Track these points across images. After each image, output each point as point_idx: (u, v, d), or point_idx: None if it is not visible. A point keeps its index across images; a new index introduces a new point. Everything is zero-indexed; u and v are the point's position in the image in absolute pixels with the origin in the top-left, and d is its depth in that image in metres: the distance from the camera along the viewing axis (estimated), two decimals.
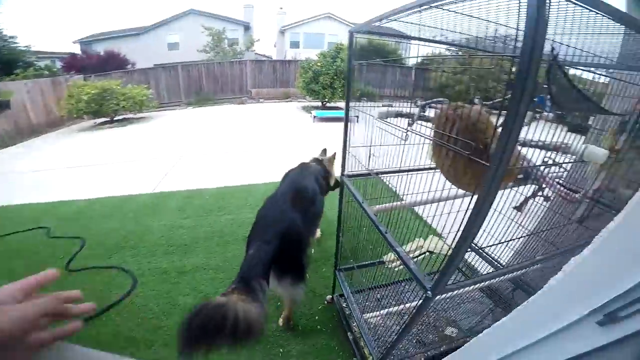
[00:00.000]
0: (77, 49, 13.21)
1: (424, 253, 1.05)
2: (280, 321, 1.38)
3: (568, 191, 0.81)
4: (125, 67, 10.11)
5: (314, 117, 6.65)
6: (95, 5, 28.70)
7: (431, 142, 0.78)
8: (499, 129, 0.43)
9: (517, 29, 0.42)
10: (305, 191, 1.53)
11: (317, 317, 1.43)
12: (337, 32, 16.60)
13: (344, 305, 1.38)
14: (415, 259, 1.02)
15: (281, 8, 16.54)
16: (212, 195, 2.73)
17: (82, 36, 13.76)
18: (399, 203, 1.01)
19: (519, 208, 0.96)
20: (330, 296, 1.50)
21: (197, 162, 3.80)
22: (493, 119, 0.64)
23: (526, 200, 0.97)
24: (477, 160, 0.54)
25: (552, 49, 0.58)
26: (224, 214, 2.38)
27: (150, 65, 9.36)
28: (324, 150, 2.07)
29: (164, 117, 7.36)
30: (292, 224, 1.29)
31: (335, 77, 7.21)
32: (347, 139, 1.20)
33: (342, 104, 8.55)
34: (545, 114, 0.75)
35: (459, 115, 0.68)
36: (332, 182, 1.93)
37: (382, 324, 1.19)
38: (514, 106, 0.41)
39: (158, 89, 8.67)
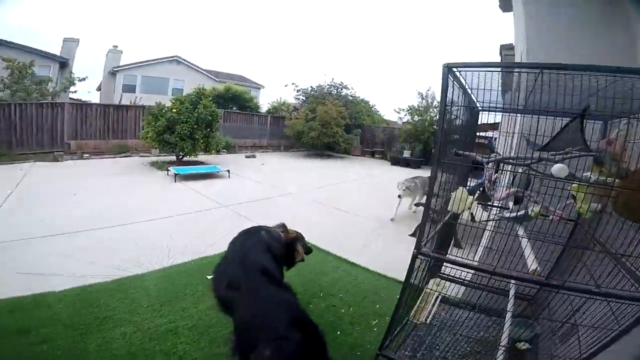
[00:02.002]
0: None
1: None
2: None
3: None
4: None
5: (175, 175, 7.28)
6: None
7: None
8: None
9: None
10: (267, 269, 1.85)
11: None
12: (184, 77, 18.81)
13: None
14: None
15: (115, 46, 17.27)
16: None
17: None
18: None
19: None
20: None
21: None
22: None
23: None
24: None
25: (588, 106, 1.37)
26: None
27: None
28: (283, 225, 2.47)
29: None
30: (294, 308, 1.62)
31: (196, 126, 8.39)
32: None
33: (204, 158, 9.95)
34: None
35: None
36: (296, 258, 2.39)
37: None
38: None
39: None
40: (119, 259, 3.44)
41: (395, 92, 46.09)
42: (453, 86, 1.33)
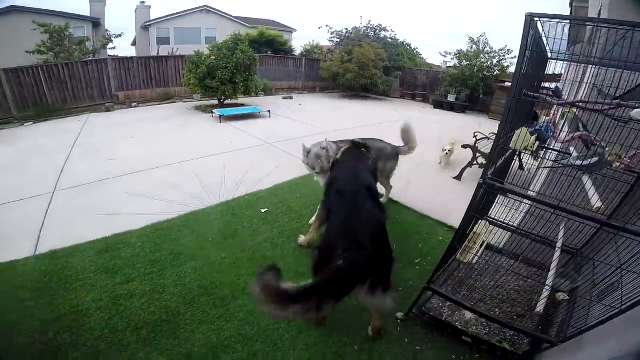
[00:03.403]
0: None
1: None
2: (370, 332, 1.92)
3: None
4: None
5: (220, 116, 7.74)
6: None
7: None
8: None
9: None
10: (375, 189, 2.11)
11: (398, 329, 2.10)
12: (216, 26, 18.53)
13: (443, 311, 2.12)
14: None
15: (143, 2, 17.29)
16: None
17: None
18: None
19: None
20: (402, 313, 2.11)
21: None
22: None
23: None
24: None
25: None
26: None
27: None
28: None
29: None
30: (381, 226, 1.76)
31: (235, 71, 8.57)
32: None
33: (244, 100, 10.16)
34: None
35: None
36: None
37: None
38: None
39: None
40: (182, 195, 3.82)
41: (439, 37, 42.32)
42: (532, 34, 1.39)
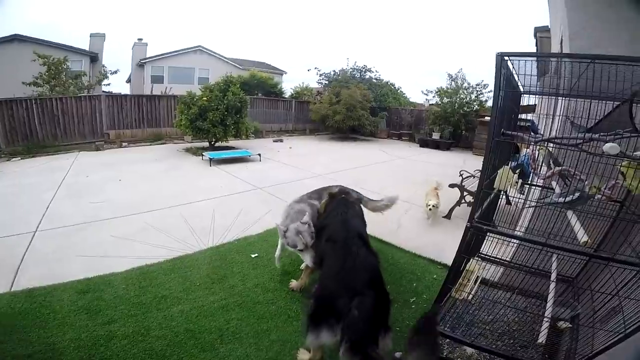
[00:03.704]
0: None
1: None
2: None
3: None
4: None
5: (210, 159, 7.74)
6: None
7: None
8: None
9: None
10: (365, 234, 2.24)
11: None
12: (209, 67, 19.27)
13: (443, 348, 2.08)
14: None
15: (140, 39, 17.94)
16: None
17: None
18: None
19: None
20: (400, 353, 1.97)
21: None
22: None
23: None
24: None
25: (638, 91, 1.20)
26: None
27: None
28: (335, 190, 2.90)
29: None
30: (376, 270, 1.84)
31: (226, 113, 8.75)
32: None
33: (235, 143, 10.30)
34: None
35: None
36: None
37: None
38: None
39: None
40: (170, 239, 3.73)
41: (421, 75, 45.01)
42: (504, 72, 1.47)
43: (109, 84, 13.87)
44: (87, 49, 16.08)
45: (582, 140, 1.29)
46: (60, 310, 2.44)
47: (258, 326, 2.40)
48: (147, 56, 18.62)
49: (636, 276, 1.35)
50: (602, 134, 1.30)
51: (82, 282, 2.80)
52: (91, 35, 16.78)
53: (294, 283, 2.87)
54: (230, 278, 3.01)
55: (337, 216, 2.41)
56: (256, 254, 3.42)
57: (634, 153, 1.38)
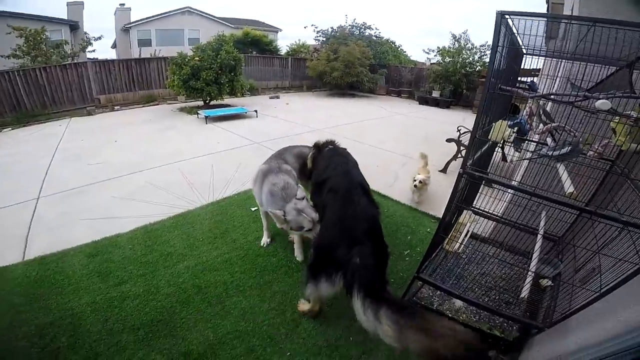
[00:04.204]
0: None
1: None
2: None
3: None
4: None
5: (205, 117, 7.71)
6: None
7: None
8: None
9: None
10: (366, 185, 2.21)
11: None
12: (199, 27, 18.44)
13: (434, 300, 2.18)
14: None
15: (122, 4, 17.13)
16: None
17: None
18: None
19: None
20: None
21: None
22: None
23: None
24: None
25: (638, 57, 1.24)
26: None
27: None
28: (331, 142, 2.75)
29: None
30: (375, 221, 1.88)
31: (220, 71, 8.55)
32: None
33: (230, 101, 10.13)
34: None
35: None
36: None
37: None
38: None
39: None
40: (171, 196, 3.82)
41: (421, 34, 43.03)
42: (505, 30, 1.47)
43: (93, 51, 13.30)
44: (65, 18, 15.30)
45: (576, 98, 1.31)
46: (73, 275, 2.54)
47: (261, 278, 2.54)
48: (132, 21, 17.82)
49: (618, 236, 1.43)
50: (596, 93, 1.32)
51: (90, 246, 2.91)
52: (68, 4, 15.97)
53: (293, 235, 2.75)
54: (232, 232, 3.12)
55: (337, 167, 2.35)
56: (255, 207, 3.48)
57: (625, 111, 1.40)
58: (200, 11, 19.11)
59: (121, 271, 2.59)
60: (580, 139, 1.62)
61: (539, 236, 2.21)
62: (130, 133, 6.82)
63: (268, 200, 2.38)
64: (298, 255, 2.74)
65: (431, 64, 13.75)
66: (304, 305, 2.22)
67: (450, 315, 2.18)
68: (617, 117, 1.40)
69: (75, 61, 10.74)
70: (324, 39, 14.64)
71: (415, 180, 3.70)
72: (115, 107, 9.92)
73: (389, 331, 1.44)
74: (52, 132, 7.18)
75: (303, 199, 2.25)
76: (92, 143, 6.15)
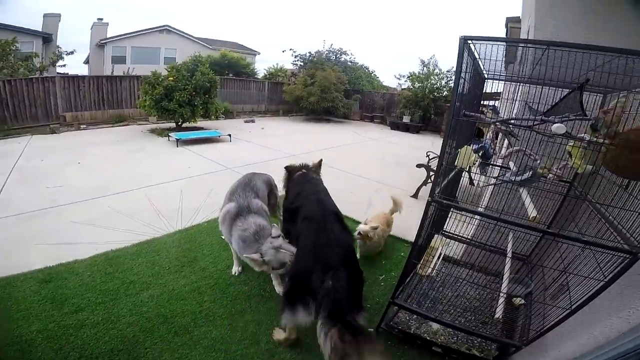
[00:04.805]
0: None
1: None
2: None
3: None
4: None
5: (177, 140, 7.53)
6: None
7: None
8: None
9: None
10: (339, 212, 2.23)
11: None
12: (176, 46, 18.38)
13: (411, 324, 2.20)
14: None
15: (100, 19, 16.92)
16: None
17: None
18: None
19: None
20: (372, 329, 2.10)
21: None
22: None
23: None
24: None
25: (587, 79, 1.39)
26: None
27: None
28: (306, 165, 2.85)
29: None
30: (349, 248, 1.93)
31: (194, 93, 8.46)
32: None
33: (204, 124, 10.00)
34: None
35: None
36: None
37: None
38: None
39: None
40: (137, 223, 3.61)
41: (394, 61, 45.38)
42: (467, 56, 1.51)
43: (64, 65, 12.99)
44: (39, 29, 14.83)
45: (534, 122, 1.39)
46: (23, 301, 2.35)
47: (232, 307, 2.42)
48: (108, 36, 17.52)
49: (581, 255, 1.49)
50: (552, 116, 1.41)
51: (44, 272, 2.69)
52: (45, 16, 15.59)
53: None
54: (201, 260, 2.99)
55: (309, 196, 2.40)
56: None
57: (578, 135, 1.50)
58: (179, 30, 19.16)
59: (77, 298, 2.41)
60: (539, 164, 1.71)
61: (508, 258, 2.27)
62: (96, 154, 6.51)
63: (240, 246, 2.27)
64: (278, 288, 2.61)
65: (402, 89, 14.39)
66: (279, 334, 2.13)
67: (428, 338, 2.15)
68: (571, 141, 1.50)
69: (44, 75, 10.31)
70: (302, 63, 15.01)
71: (357, 230, 2.92)
72: (82, 126, 9.49)
73: (327, 349, 1.47)
74: (9, 149, 6.71)
75: (279, 237, 2.20)
76: (53, 163, 5.79)
